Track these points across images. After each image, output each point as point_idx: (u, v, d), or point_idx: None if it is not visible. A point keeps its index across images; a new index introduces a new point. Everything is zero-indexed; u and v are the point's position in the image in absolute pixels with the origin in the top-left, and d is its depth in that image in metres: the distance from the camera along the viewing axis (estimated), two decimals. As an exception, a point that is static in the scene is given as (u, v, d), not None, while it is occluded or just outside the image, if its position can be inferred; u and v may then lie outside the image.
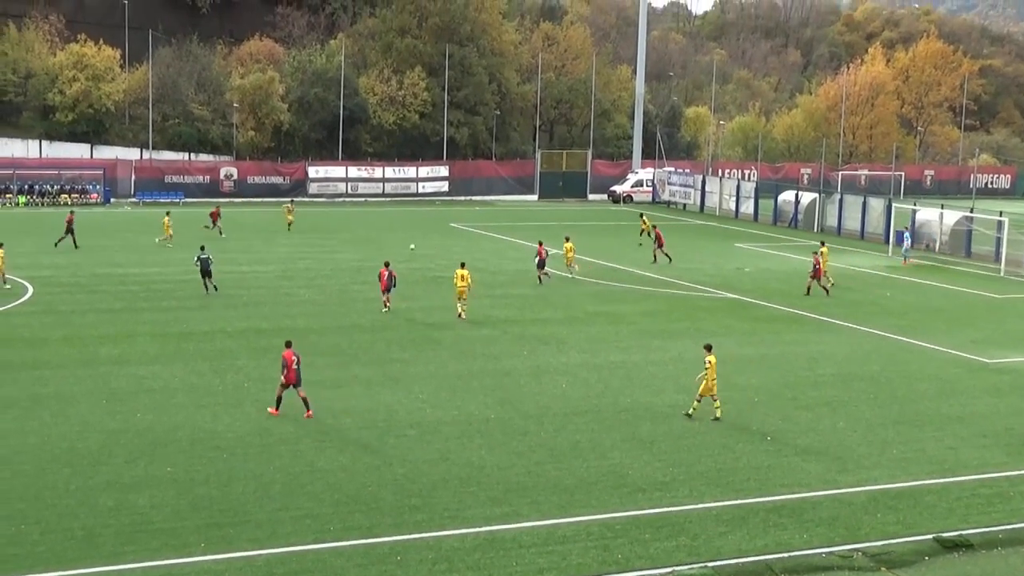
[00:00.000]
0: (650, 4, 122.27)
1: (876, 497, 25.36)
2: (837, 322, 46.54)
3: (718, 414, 31.29)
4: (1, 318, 42.66)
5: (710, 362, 31.09)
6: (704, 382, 31.19)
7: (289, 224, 73.05)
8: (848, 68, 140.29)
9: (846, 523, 23.71)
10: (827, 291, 52.83)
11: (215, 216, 70.46)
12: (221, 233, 68.24)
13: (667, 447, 28.55)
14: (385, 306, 45.96)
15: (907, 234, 69.50)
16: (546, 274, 54.50)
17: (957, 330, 45.81)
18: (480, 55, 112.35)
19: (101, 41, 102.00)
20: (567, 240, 57.55)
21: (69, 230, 61.60)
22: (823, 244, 59.11)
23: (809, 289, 52.79)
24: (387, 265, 46.45)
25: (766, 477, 26.49)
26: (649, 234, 65.08)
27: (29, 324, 41.48)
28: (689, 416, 31.33)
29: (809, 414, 32.21)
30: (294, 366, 30.10)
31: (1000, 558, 22.26)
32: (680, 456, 27.84)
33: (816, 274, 52.86)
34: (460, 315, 44.91)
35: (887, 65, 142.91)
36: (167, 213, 67.74)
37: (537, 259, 54.47)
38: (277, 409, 30.41)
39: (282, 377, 30.30)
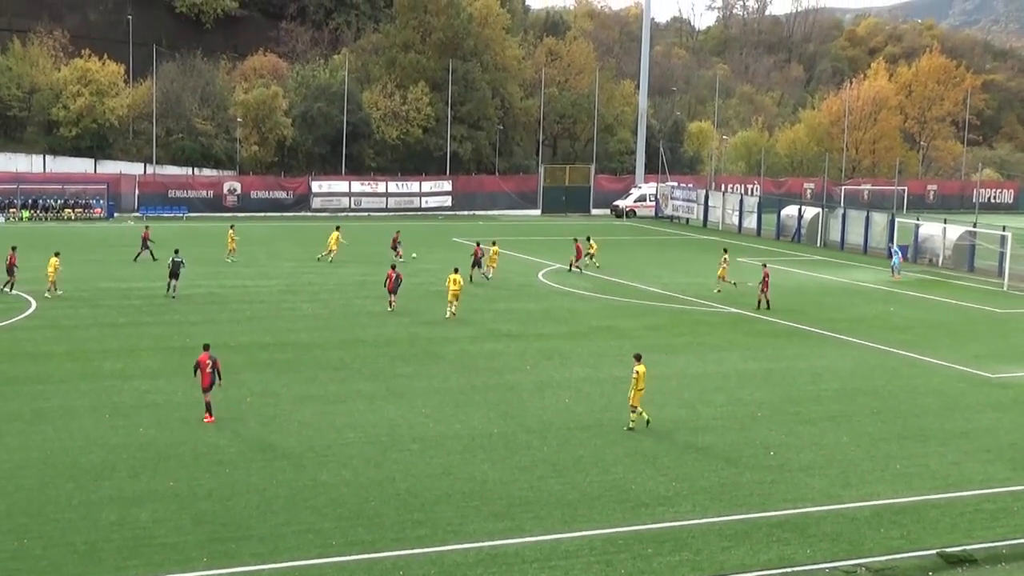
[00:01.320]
0: (653, 19, 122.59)
1: (880, 512, 25.32)
2: (841, 337, 46.52)
3: (631, 424, 31.32)
4: (5, 332, 42.70)
5: (638, 372, 31.11)
6: (632, 391, 31.28)
7: (330, 253, 65.19)
8: (851, 83, 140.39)
9: (849, 538, 23.67)
10: (768, 303, 52.40)
11: (396, 241, 66.81)
12: (400, 258, 64.69)
13: (670, 462, 28.53)
14: (390, 306, 48.89)
15: (895, 248, 69.75)
16: (484, 275, 58.58)
17: (960, 345, 45.78)
18: (483, 70, 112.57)
19: (105, 56, 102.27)
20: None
21: (145, 244, 62.67)
22: (726, 251, 61.53)
23: (759, 303, 52.68)
24: (394, 267, 50.25)
25: (769, 492, 26.46)
26: (591, 256, 64.79)
27: (33, 339, 41.51)
28: (631, 429, 31.26)
29: (812, 429, 32.18)
30: (208, 370, 30.52)
31: (1004, 574, 22.23)
32: (683, 471, 27.81)
33: (764, 287, 52.71)
34: (451, 314, 47.72)
35: (890, 80, 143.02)
36: (231, 226, 67.63)
37: (472, 259, 58.72)
38: (210, 415, 30.82)
39: (202, 383, 30.81)
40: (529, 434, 30.66)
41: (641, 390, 31.21)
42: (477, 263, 58.50)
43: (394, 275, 49.12)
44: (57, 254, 51.76)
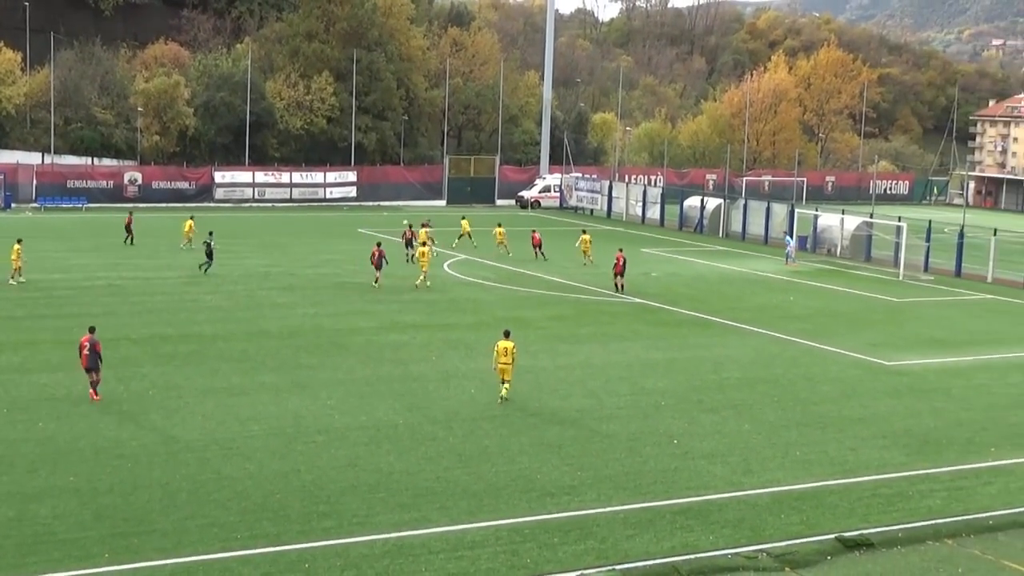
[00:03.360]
0: (557, 11, 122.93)
1: (780, 498, 25.77)
2: (742, 326, 47.18)
3: (500, 397, 33.00)
4: None
5: (497, 347, 33.06)
6: (496, 364, 33.09)
7: (422, 256, 55.56)
8: (752, 75, 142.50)
9: (751, 524, 24.06)
10: (622, 288, 54.50)
11: (408, 236, 64.05)
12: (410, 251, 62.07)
13: (575, 451, 28.74)
14: (376, 282, 52.87)
15: (788, 237, 71.07)
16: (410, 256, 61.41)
17: (857, 333, 46.69)
18: (388, 60, 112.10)
19: (1, 43, 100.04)
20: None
21: (129, 230, 66.60)
22: (585, 232, 66.75)
23: (617, 286, 54.55)
24: (379, 245, 54.38)
25: (673, 480, 26.79)
26: (504, 244, 67.63)
27: (-74, 332, 40.55)
28: (502, 400, 32.91)
29: (715, 417, 32.63)
30: (85, 351, 31.55)
31: (900, 556, 22.74)
32: (588, 460, 28.03)
33: (617, 269, 54.62)
34: (417, 285, 53.06)
35: (789, 73, 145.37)
36: (191, 217, 68.91)
37: (404, 240, 63.07)
38: (95, 392, 31.93)
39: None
40: (435, 425, 30.70)
41: (502, 364, 32.84)
42: (408, 244, 62.23)
43: (378, 252, 53.22)
44: (20, 240, 52.33)
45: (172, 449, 27.71)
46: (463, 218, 72.99)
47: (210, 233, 57.77)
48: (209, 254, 56.37)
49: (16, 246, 51.56)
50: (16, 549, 21.35)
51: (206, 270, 55.93)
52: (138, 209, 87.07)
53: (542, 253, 65.87)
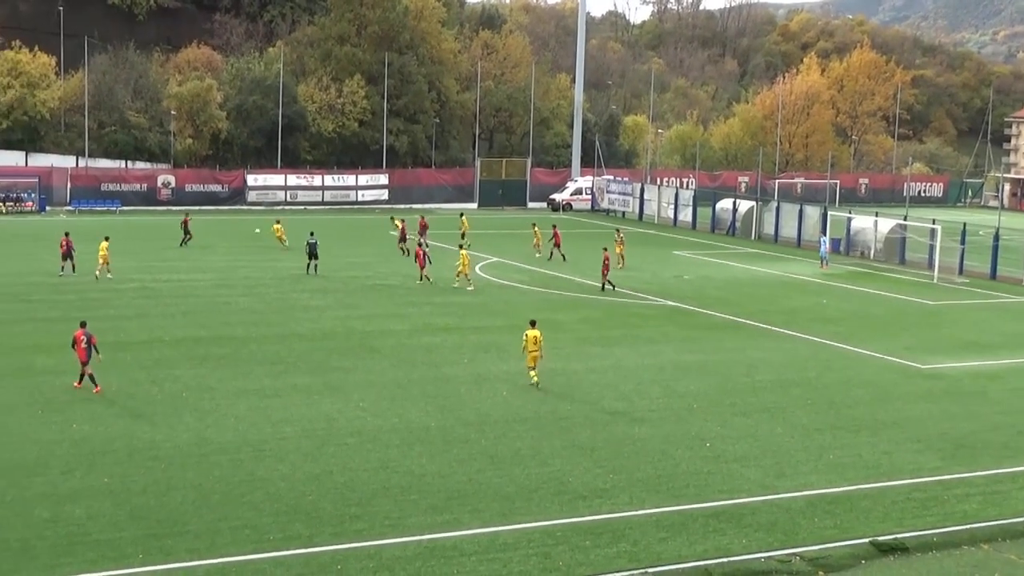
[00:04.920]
0: (588, 13, 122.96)
1: (813, 502, 25.63)
2: (775, 329, 46.99)
3: (532, 381, 34.99)
4: (-67, 328, 42.02)
5: (526, 336, 35.10)
6: (526, 354, 35.09)
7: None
8: (784, 77, 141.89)
9: (784, 528, 23.94)
10: (609, 285, 55.58)
11: (404, 233, 67.49)
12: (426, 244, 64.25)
13: (607, 454, 28.68)
14: (428, 279, 54.93)
15: (824, 239, 70.65)
16: (404, 248, 65.04)
17: (891, 336, 46.39)
18: (419, 63, 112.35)
19: (36, 48, 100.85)
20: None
21: (186, 230, 68.30)
22: (619, 231, 69.00)
23: (603, 285, 55.39)
24: (420, 245, 58.01)
25: (705, 483, 26.69)
26: (540, 243, 68.81)
27: (-38, 334, 40.87)
28: (534, 385, 34.85)
29: (747, 420, 32.49)
30: (82, 345, 32.63)
31: (935, 561, 22.58)
32: (620, 463, 27.96)
33: (605, 268, 55.57)
34: (471, 289, 54.12)
35: (822, 75, 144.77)
36: (277, 221, 70.79)
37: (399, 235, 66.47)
38: (80, 382, 33.18)
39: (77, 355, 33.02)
40: (466, 427, 30.70)
41: (533, 353, 34.80)
42: (403, 238, 65.08)
43: (422, 252, 55.67)
44: (107, 238, 54.98)
45: (205, 451, 27.83)
46: (462, 214, 76.65)
47: (311, 233, 58.79)
48: (313, 254, 57.31)
49: (104, 243, 54.16)
50: (51, 550, 21.49)
51: (306, 270, 57.40)
52: (171, 212, 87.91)
53: (561, 253, 65.39)
